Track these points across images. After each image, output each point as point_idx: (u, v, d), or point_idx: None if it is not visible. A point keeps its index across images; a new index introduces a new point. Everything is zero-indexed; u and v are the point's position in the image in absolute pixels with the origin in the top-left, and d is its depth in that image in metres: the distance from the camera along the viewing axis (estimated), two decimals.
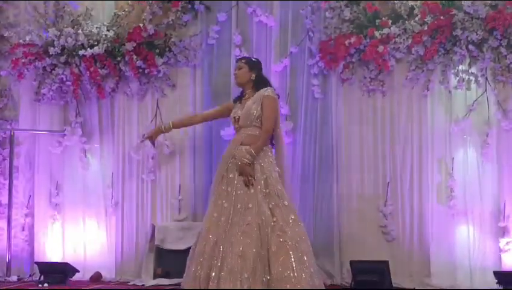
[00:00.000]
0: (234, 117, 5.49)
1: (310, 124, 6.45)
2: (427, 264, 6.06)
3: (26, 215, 6.87)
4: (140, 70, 6.59)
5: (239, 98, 5.60)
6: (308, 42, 6.43)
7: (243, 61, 5.63)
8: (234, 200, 5.05)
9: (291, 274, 4.81)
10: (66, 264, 6.45)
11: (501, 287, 5.54)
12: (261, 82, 5.52)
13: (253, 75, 5.49)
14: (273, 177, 5.15)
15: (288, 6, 6.50)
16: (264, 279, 4.86)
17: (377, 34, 6.17)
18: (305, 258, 4.90)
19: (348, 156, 6.36)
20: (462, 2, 5.97)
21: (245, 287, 4.78)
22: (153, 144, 5.86)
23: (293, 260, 4.83)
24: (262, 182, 5.11)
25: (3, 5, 7.04)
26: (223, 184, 5.19)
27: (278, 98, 5.48)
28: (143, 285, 6.24)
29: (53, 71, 6.74)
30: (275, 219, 5.00)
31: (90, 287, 6.21)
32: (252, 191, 5.09)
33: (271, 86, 5.54)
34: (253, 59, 5.71)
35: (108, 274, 6.61)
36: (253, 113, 5.32)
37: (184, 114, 6.30)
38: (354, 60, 6.31)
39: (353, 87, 6.36)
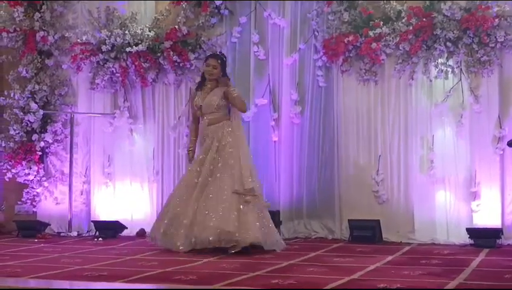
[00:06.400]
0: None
1: (316, 108, 6.86)
2: (412, 222, 6.44)
3: (84, 182, 7.40)
4: (176, 64, 7.04)
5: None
6: (314, 40, 6.85)
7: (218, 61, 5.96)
8: None
9: None
10: (117, 222, 6.97)
11: (472, 241, 5.99)
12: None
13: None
14: None
15: (297, 11, 6.88)
16: None
17: (370, 33, 6.54)
18: None
19: (347, 133, 6.73)
20: (441, 6, 6.32)
21: None
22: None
23: None
24: None
25: (63, 10, 7.48)
26: None
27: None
28: None
29: (105, 65, 7.21)
30: None
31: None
32: None
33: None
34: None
35: None
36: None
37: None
38: (351, 55, 6.68)
39: (351, 78, 6.75)
